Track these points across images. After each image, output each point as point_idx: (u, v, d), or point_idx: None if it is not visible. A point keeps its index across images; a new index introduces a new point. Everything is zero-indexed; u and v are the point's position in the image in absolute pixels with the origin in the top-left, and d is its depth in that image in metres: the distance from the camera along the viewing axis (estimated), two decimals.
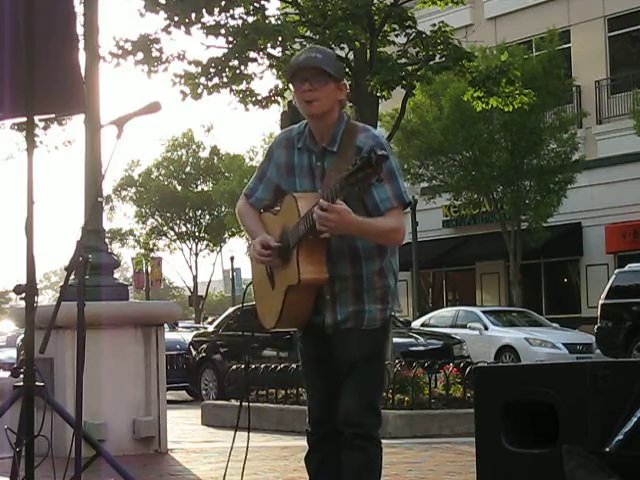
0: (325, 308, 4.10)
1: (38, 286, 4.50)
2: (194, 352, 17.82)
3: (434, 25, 14.41)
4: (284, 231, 4.07)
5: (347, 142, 4.05)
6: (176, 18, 13.45)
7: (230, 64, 13.76)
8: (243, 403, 4.66)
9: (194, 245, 51.60)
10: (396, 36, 14.62)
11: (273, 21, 14.09)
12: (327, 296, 4.09)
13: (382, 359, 4.21)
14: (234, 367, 13.15)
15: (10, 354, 18.60)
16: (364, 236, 4.01)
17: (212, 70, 13.77)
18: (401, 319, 20.85)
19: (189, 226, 51.03)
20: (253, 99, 14.30)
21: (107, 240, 9.62)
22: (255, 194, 4.26)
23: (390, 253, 4.16)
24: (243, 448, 4.41)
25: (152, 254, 51.76)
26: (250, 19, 13.92)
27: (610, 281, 21.81)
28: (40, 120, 17.10)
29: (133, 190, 51.45)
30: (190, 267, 51.89)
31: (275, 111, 54.29)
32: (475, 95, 14.86)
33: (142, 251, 52.26)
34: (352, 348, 4.07)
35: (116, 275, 9.22)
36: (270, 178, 4.22)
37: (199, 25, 13.63)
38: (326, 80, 4.06)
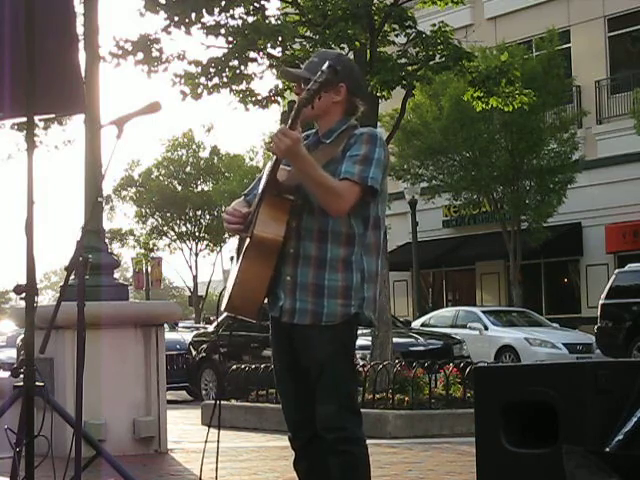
0: (284, 290, 4.03)
1: (38, 286, 4.50)
2: (194, 352, 17.83)
3: (434, 25, 14.39)
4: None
5: (342, 137, 4.09)
6: (176, 18, 13.44)
7: (230, 64, 13.75)
8: (217, 402, 4.61)
9: (194, 245, 51.58)
10: (396, 36, 14.61)
11: (273, 21, 14.08)
12: (287, 277, 4.02)
13: (349, 356, 4.12)
14: (234, 367, 13.16)
15: (10, 354, 18.59)
16: (306, 177, 3.92)
17: (212, 70, 13.77)
18: (401, 319, 20.88)
19: (189, 226, 51.00)
20: (253, 99, 14.30)
21: (107, 240, 9.63)
22: (253, 192, 4.24)
23: (363, 250, 4.05)
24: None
25: (152, 254, 51.72)
26: (250, 19, 13.91)
27: (610, 281, 21.84)
28: (40, 120, 17.11)
29: (133, 190, 51.42)
30: (190, 267, 51.92)
31: (275, 111, 54.34)
32: (475, 95, 14.84)
33: (142, 251, 52.23)
34: (315, 347, 4.00)
35: (116, 275, 9.23)
36: None
37: (199, 25, 13.62)
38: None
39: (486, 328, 22.80)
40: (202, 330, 21.84)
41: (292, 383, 4.17)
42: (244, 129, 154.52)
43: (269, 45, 13.77)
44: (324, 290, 4.00)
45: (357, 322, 4.07)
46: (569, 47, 30.96)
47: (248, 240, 3.96)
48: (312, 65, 4.11)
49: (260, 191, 4.04)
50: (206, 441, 4.33)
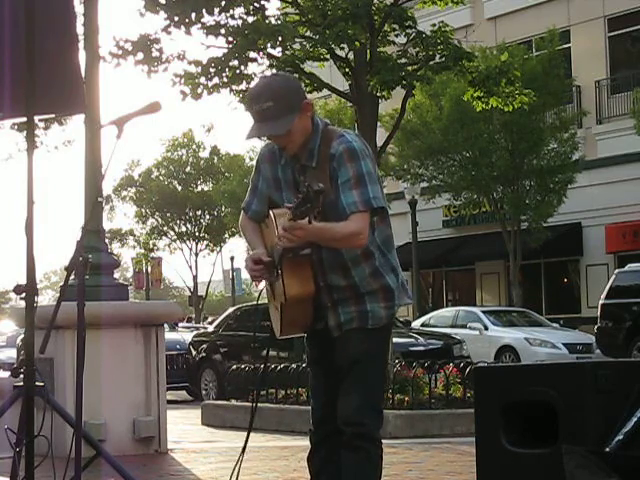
0: (327, 313, 4.14)
1: (38, 286, 4.50)
2: (194, 352, 17.83)
3: (434, 25, 14.39)
4: (271, 248, 4.13)
5: (324, 155, 4.04)
6: (176, 18, 13.44)
7: (230, 64, 13.75)
8: (252, 404, 4.67)
9: (194, 245, 51.60)
10: (396, 36, 14.61)
11: (273, 21, 14.07)
12: (328, 304, 4.13)
13: (384, 357, 4.23)
14: (234, 367, 13.15)
15: (10, 354, 18.58)
16: (323, 242, 4.01)
17: (212, 70, 13.76)
18: (401, 319, 20.87)
19: (189, 226, 51.03)
20: None
21: (107, 240, 9.62)
22: (252, 207, 4.31)
23: (381, 253, 4.17)
24: (241, 448, 4.42)
25: (152, 254, 51.74)
26: (250, 19, 13.91)
27: (610, 281, 21.83)
28: (40, 120, 17.11)
29: (133, 190, 51.45)
30: (190, 267, 51.93)
31: None
32: (475, 95, 14.84)
33: (142, 251, 52.26)
34: (353, 346, 4.08)
35: (116, 275, 9.22)
36: (262, 191, 4.27)
37: (199, 25, 13.62)
38: (288, 124, 3.97)
39: (486, 328, 22.79)
40: (202, 330, 21.83)
41: (324, 381, 4.24)
42: (244, 129, 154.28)
43: (269, 45, 13.76)
44: (365, 297, 4.13)
45: (393, 322, 4.24)
46: (569, 47, 30.96)
47: (283, 301, 4.05)
48: (269, 112, 3.94)
49: (277, 260, 4.06)
50: (244, 446, 4.37)
